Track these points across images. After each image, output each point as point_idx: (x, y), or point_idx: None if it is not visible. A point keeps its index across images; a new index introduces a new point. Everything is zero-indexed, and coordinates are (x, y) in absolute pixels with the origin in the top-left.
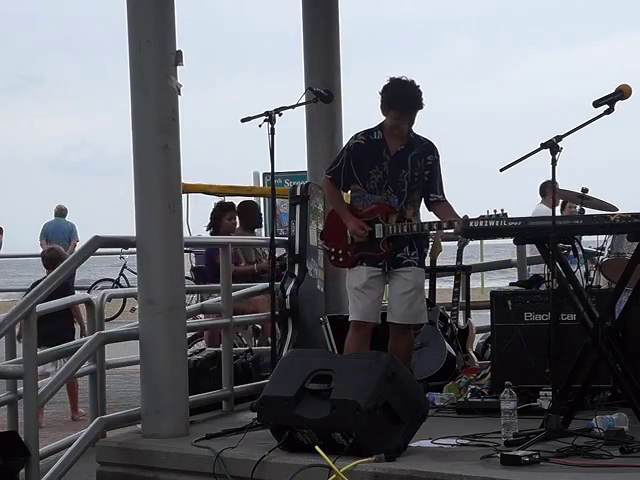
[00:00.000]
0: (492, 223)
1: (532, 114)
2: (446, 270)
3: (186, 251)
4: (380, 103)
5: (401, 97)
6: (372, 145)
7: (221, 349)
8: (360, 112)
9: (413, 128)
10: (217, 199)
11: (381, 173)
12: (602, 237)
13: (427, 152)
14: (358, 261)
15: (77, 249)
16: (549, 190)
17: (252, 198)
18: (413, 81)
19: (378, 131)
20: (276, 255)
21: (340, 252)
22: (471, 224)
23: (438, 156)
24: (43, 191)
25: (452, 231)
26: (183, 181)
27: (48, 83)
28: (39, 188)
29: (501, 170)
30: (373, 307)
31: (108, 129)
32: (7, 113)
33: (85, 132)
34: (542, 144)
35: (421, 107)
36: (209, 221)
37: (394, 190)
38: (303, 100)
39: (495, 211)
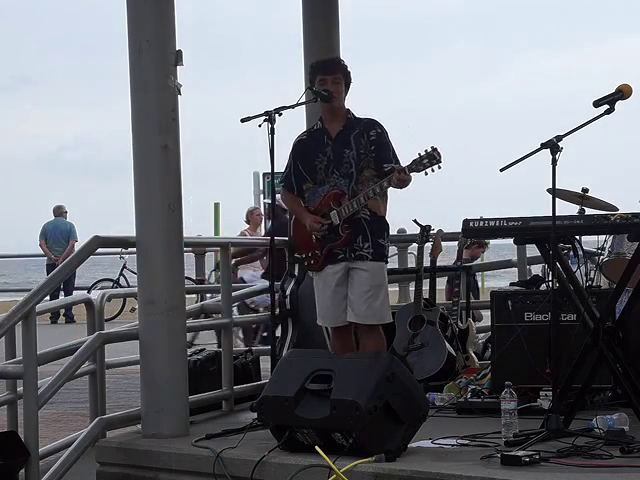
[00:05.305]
0: (492, 223)
1: (532, 114)
2: (446, 270)
3: None
4: (310, 84)
5: (322, 61)
6: (313, 136)
7: (221, 349)
8: (360, 112)
9: (365, 114)
10: None
11: (325, 160)
12: (602, 237)
13: (369, 128)
14: (326, 262)
15: (76, 249)
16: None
17: None
18: None
19: (317, 122)
20: None
21: (310, 255)
22: (471, 224)
23: (382, 129)
24: (39, 191)
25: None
26: None
27: (43, 83)
28: (35, 188)
29: (501, 170)
30: (340, 309)
31: (103, 129)
32: (2, 113)
33: (79, 132)
34: (542, 144)
35: (346, 72)
36: None
37: (340, 173)
38: (303, 100)
39: (426, 151)
